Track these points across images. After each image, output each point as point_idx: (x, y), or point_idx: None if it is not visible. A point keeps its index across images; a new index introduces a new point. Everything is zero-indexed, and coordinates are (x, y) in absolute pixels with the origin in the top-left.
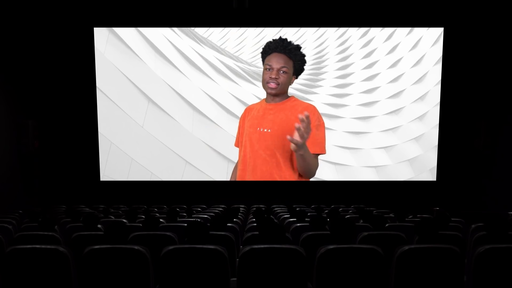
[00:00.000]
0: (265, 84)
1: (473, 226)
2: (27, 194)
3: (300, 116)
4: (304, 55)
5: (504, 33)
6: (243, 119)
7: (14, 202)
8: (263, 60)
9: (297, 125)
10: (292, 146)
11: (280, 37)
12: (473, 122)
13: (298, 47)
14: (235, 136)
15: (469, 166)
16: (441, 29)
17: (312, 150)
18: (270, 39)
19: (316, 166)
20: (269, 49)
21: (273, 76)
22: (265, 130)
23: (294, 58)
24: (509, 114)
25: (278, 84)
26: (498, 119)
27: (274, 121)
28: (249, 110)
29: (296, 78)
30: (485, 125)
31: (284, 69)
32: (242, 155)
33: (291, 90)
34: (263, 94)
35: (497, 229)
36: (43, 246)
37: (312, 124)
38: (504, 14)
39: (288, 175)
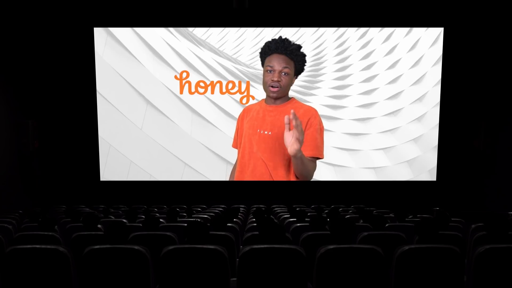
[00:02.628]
0: (266, 87)
1: (473, 226)
2: (27, 194)
3: (292, 116)
4: (304, 55)
5: (504, 33)
6: (241, 120)
7: (14, 202)
8: (262, 61)
9: (293, 129)
10: (291, 150)
11: (280, 37)
12: (473, 122)
13: (298, 47)
14: (233, 137)
15: (469, 166)
16: (440, 30)
17: (311, 153)
18: (268, 40)
19: (314, 168)
20: (269, 50)
21: (275, 79)
22: (266, 132)
23: (295, 59)
24: (509, 114)
25: (280, 87)
26: (498, 119)
27: (274, 123)
28: (247, 110)
29: (296, 77)
30: (485, 125)
31: (286, 70)
32: (240, 157)
33: (290, 93)
34: (261, 96)
35: (497, 229)
36: (43, 246)
37: (313, 128)
38: (504, 14)
39: (285, 177)
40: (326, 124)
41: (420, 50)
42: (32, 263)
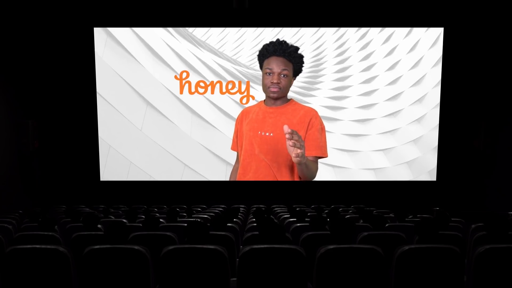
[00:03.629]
0: (266, 89)
1: (473, 226)
2: (27, 194)
3: (288, 130)
4: (302, 56)
5: (504, 33)
6: (240, 122)
7: (14, 202)
8: (261, 63)
9: (291, 142)
10: (295, 159)
11: (278, 39)
12: (473, 122)
13: (296, 49)
14: (232, 140)
15: (469, 166)
16: (440, 30)
17: (314, 153)
18: (267, 41)
19: (317, 169)
20: (267, 53)
21: (275, 81)
22: (267, 134)
23: (294, 61)
24: (509, 114)
25: (280, 89)
26: (498, 119)
27: (276, 125)
28: (246, 112)
29: (295, 78)
30: (485, 125)
31: (285, 72)
32: (242, 159)
33: (290, 93)
34: (261, 97)
35: (497, 229)
36: (43, 246)
37: (315, 128)
38: (504, 14)
39: (289, 178)
40: (325, 125)
41: (420, 51)
42: (32, 263)
